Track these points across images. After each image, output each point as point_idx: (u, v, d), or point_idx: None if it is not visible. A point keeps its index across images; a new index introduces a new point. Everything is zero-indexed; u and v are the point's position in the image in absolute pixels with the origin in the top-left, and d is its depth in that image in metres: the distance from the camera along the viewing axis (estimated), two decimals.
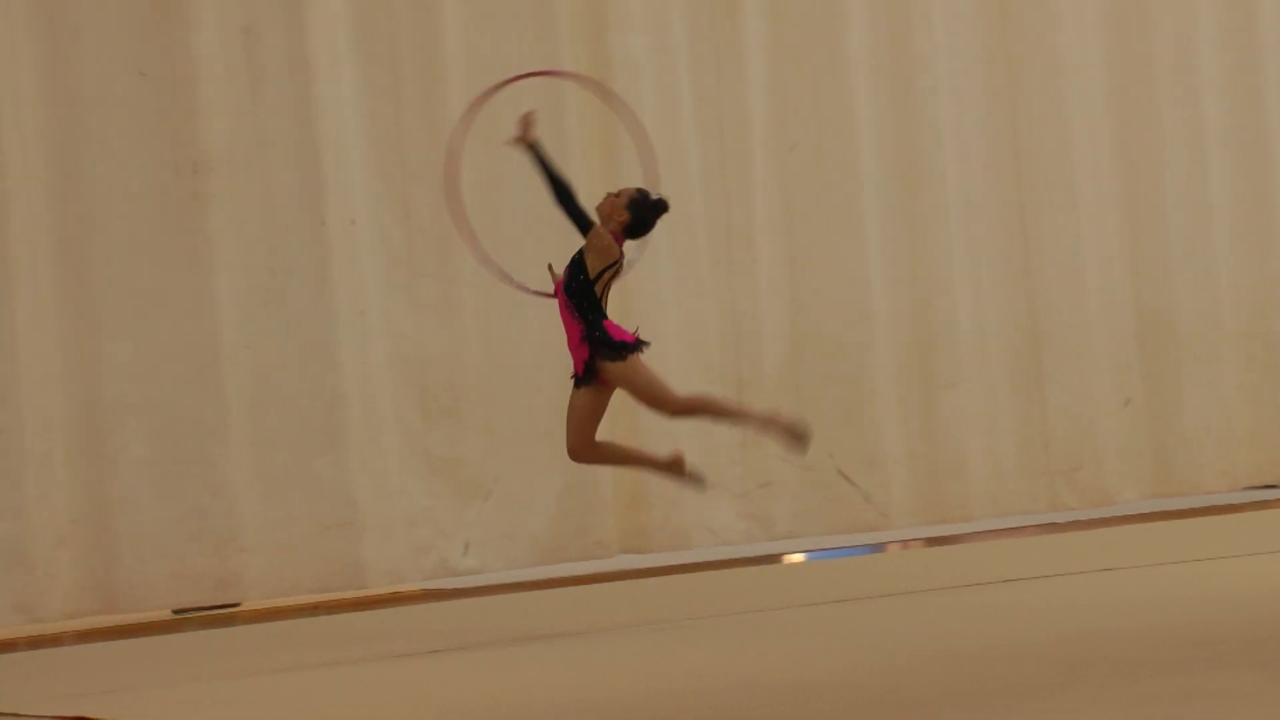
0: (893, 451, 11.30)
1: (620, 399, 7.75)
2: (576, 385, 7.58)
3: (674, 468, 7.75)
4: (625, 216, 7.58)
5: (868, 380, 11.28)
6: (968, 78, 11.72)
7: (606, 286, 7.54)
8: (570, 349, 7.58)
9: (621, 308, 10.75)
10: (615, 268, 7.53)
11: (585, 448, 7.65)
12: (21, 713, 6.30)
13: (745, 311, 11.05)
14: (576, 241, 7.58)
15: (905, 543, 11.29)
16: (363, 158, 10.13)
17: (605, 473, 10.51)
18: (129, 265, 9.61)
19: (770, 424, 7.72)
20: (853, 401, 11.24)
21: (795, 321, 11.19)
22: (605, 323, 7.51)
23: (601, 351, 7.49)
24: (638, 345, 7.51)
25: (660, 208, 7.63)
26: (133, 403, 9.54)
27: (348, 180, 10.03)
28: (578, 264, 7.52)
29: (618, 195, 7.62)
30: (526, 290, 8.17)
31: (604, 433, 7.73)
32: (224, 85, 9.81)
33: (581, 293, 7.50)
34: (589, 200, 7.61)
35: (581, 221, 7.48)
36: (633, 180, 8.11)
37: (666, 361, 10.74)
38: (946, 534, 11.34)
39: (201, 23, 9.78)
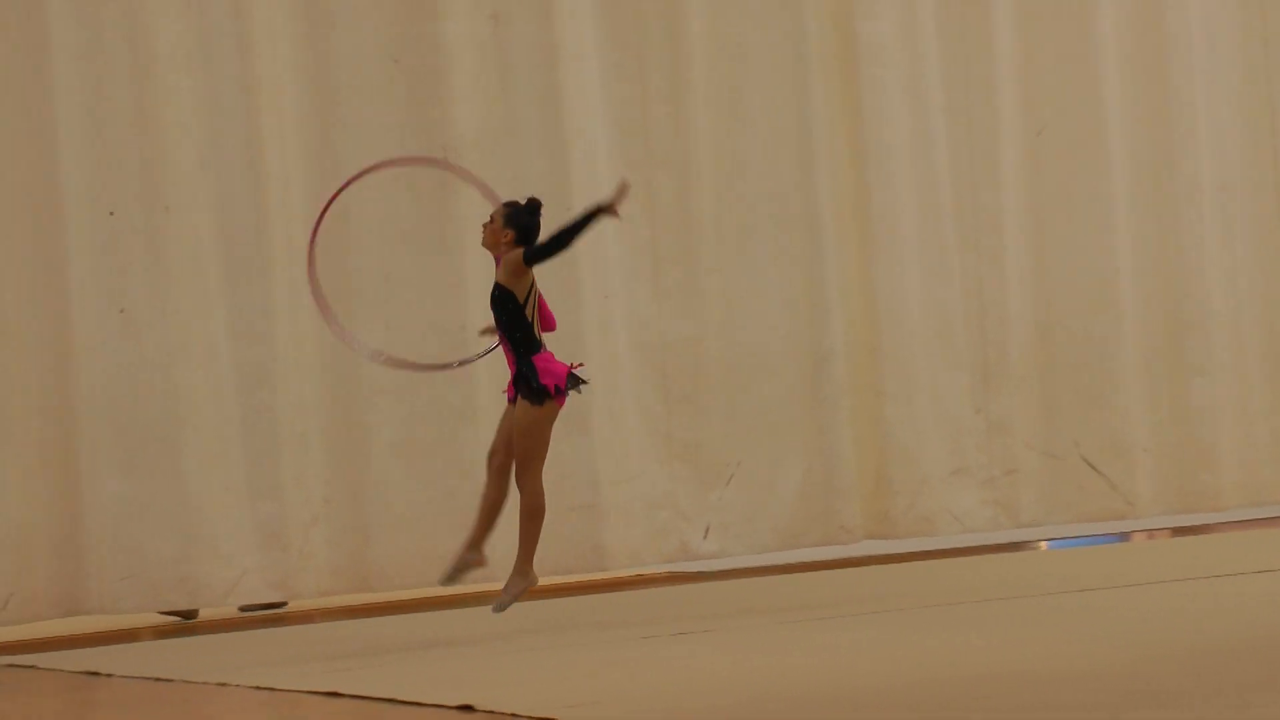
0: (1140, 439, 11.13)
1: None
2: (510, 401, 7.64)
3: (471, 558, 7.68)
4: (510, 233, 7.56)
5: (1115, 367, 11.12)
6: (1223, 57, 11.49)
7: (534, 310, 7.54)
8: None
9: (866, 295, 10.74)
10: (533, 285, 7.52)
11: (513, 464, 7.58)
12: (277, 686, 6.48)
13: (992, 298, 10.96)
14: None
15: (1151, 532, 11.11)
16: (608, 144, 10.22)
17: (849, 458, 10.49)
18: (381, 249, 9.80)
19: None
20: (1099, 388, 11.09)
21: (1042, 307, 11.06)
22: (535, 358, 7.51)
23: (520, 389, 7.51)
24: (559, 392, 7.49)
25: (534, 206, 7.61)
26: (385, 385, 9.72)
27: (593, 166, 10.12)
28: (501, 298, 7.50)
29: (491, 221, 7.62)
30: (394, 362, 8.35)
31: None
32: (473, 72, 9.96)
33: (514, 325, 7.50)
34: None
35: (585, 222, 7.40)
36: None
37: (911, 348, 10.70)
38: (1194, 524, 11.15)
39: (451, 10, 9.94)
